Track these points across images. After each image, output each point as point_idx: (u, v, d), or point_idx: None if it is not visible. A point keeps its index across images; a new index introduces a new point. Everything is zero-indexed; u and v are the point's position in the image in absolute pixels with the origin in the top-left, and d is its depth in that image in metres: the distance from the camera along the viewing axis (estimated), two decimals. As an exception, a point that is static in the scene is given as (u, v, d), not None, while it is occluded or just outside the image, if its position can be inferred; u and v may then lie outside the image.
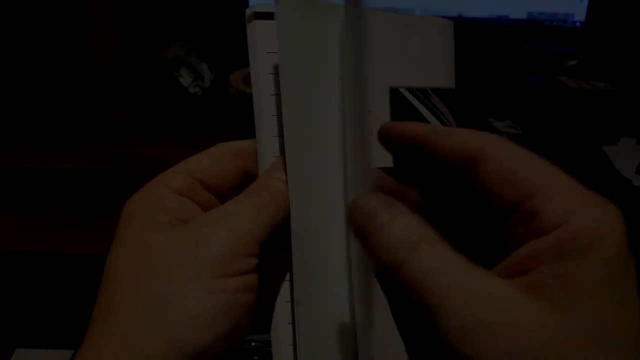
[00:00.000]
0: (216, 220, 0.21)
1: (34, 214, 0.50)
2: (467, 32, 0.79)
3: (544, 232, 0.16)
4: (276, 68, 0.23)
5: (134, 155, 0.60)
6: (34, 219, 0.50)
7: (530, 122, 0.70)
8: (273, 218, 0.22)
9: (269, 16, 0.23)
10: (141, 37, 0.84)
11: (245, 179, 0.24)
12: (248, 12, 0.23)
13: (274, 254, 0.23)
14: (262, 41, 0.23)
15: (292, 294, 0.23)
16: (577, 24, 0.80)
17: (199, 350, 0.19)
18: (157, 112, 0.74)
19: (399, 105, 0.27)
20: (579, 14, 0.80)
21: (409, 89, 0.27)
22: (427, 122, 0.27)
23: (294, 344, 0.22)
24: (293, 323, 0.23)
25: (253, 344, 0.47)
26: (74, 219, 0.49)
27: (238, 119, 0.61)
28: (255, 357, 0.44)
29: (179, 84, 0.77)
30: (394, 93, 0.27)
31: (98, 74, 0.89)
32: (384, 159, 0.22)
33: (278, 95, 0.23)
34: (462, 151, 0.18)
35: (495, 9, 0.80)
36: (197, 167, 0.23)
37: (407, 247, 0.16)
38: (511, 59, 0.83)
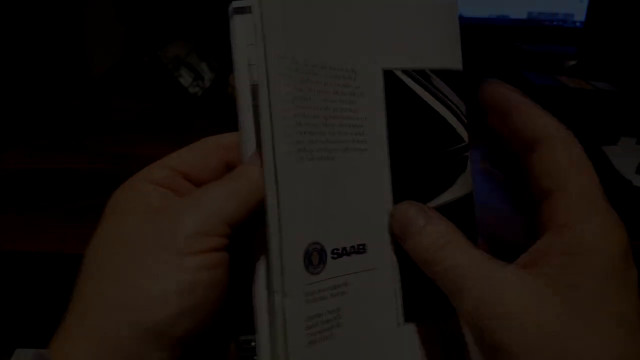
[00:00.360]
0: (186, 203, 0.22)
1: (34, 214, 0.50)
2: (467, 32, 0.79)
3: (559, 227, 0.20)
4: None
5: (134, 155, 0.60)
6: (34, 219, 0.50)
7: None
8: (246, 202, 0.22)
9: (247, 10, 0.23)
10: (141, 37, 0.84)
11: (230, 171, 0.24)
12: (230, 8, 0.23)
13: (255, 239, 0.23)
14: (241, 34, 0.23)
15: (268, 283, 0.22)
16: (577, 24, 0.80)
17: (160, 327, 0.19)
18: (157, 112, 0.74)
19: (395, 91, 0.24)
20: (579, 14, 0.80)
21: (406, 71, 0.25)
22: (431, 107, 0.25)
23: (270, 333, 0.22)
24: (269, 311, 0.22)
25: (253, 344, 0.46)
26: (74, 219, 0.49)
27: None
28: (255, 357, 0.44)
29: (179, 84, 0.77)
30: (389, 76, 0.24)
31: (98, 74, 0.89)
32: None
33: (255, 86, 0.22)
34: (531, 132, 0.21)
35: (495, 9, 0.80)
36: (180, 160, 0.24)
37: (437, 247, 0.21)
38: (511, 59, 0.83)
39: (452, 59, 0.25)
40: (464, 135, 0.25)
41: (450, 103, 0.25)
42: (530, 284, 0.19)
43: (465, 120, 0.25)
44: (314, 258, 0.22)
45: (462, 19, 0.80)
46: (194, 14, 0.85)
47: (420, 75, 0.25)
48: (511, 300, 0.18)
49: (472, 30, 0.80)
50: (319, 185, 0.22)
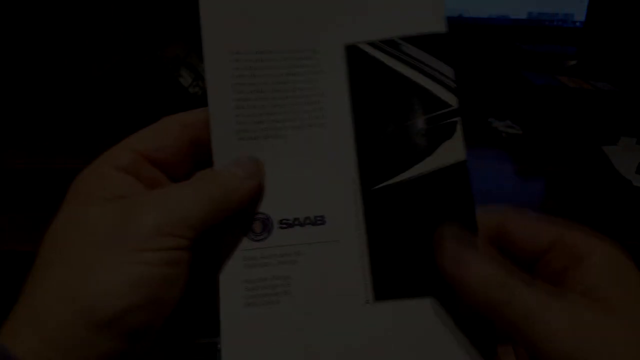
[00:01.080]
0: (150, 198, 0.22)
1: (34, 213, 0.50)
2: (467, 32, 0.79)
3: (579, 258, 0.21)
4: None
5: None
6: (34, 219, 0.50)
7: (530, 122, 0.70)
8: (215, 210, 0.22)
9: None
10: (141, 37, 0.84)
11: (196, 150, 0.24)
12: None
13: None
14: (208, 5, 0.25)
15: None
16: (577, 24, 0.80)
17: (108, 318, 0.19)
18: (157, 112, 0.74)
19: (360, 64, 0.24)
20: (579, 14, 0.80)
21: (371, 43, 0.24)
22: (402, 76, 0.24)
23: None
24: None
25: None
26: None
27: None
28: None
29: (179, 84, 0.77)
30: (352, 51, 0.24)
31: (98, 74, 0.89)
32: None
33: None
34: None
35: (495, 9, 0.80)
36: (144, 142, 0.24)
37: (497, 285, 0.20)
38: (511, 59, 0.83)
39: (430, 23, 0.24)
40: (451, 100, 0.24)
41: (427, 69, 0.24)
42: (615, 326, 0.19)
43: (453, 85, 0.24)
44: (256, 226, 0.23)
45: (462, 19, 0.80)
46: (194, 14, 0.85)
47: (388, 45, 0.24)
48: (603, 347, 0.18)
49: (472, 30, 0.80)
50: (264, 162, 0.23)
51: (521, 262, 0.22)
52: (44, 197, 0.53)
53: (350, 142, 0.24)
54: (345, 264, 0.23)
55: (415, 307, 0.23)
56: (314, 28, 0.24)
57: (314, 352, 0.22)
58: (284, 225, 0.23)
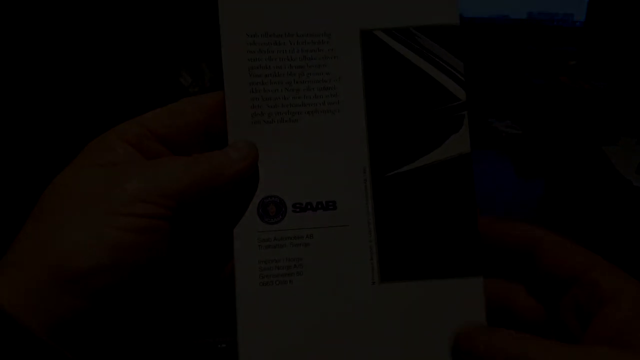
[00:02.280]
0: (136, 167, 0.22)
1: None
2: (467, 32, 0.79)
3: (606, 299, 0.20)
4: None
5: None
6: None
7: (530, 122, 0.70)
8: (198, 184, 0.22)
9: None
10: (141, 37, 0.84)
11: (209, 132, 0.24)
12: None
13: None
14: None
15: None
16: (577, 24, 0.80)
17: (77, 276, 0.20)
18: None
19: (375, 51, 0.24)
20: (579, 14, 0.80)
21: (387, 31, 0.24)
22: (415, 66, 0.24)
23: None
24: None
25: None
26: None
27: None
28: None
29: (179, 84, 0.77)
30: (367, 37, 0.24)
31: (98, 74, 0.89)
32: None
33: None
34: (524, 240, 0.23)
35: (495, 9, 0.80)
36: (157, 121, 0.24)
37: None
38: (511, 59, 0.83)
39: (444, 15, 0.25)
40: (460, 93, 0.25)
41: (439, 61, 0.25)
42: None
43: (462, 78, 0.25)
44: (270, 209, 0.24)
45: (462, 19, 0.80)
46: (194, 14, 0.85)
47: (403, 34, 0.24)
48: None
49: (473, 30, 0.80)
50: (278, 146, 0.24)
51: (548, 289, 0.22)
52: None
53: (363, 129, 0.24)
54: (354, 248, 0.24)
55: (418, 289, 0.24)
56: (330, 12, 0.24)
57: (323, 329, 0.23)
58: (297, 209, 0.24)
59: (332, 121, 0.24)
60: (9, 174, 0.58)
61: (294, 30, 0.24)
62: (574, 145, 0.66)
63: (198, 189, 0.22)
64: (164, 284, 0.23)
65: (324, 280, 0.24)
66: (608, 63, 0.81)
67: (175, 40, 0.80)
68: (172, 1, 0.85)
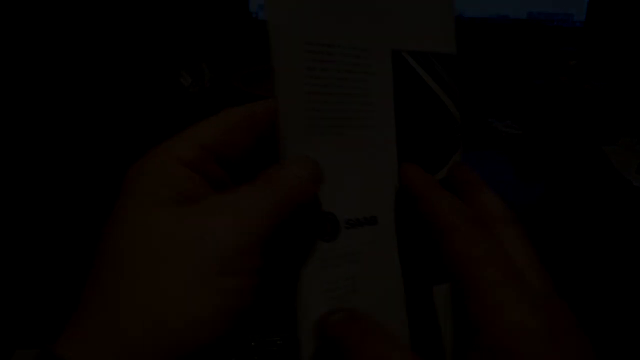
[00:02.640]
0: (225, 206, 0.19)
1: (34, 212, 0.50)
2: (467, 32, 0.79)
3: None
4: None
5: (133, 157, 0.60)
6: (34, 219, 0.50)
7: (530, 122, 0.70)
8: (283, 212, 0.20)
9: None
10: (141, 37, 0.84)
11: (259, 144, 0.22)
12: None
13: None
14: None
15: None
16: (577, 24, 0.80)
17: (193, 352, 0.18)
18: (157, 112, 0.74)
19: (402, 72, 0.25)
20: (579, 14, 0.80)
21: (412, 53, 0.25)
22: (432, 91, 0.26)
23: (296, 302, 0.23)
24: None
25: (253, 344, 0.46)
26: (75, 218, 0.49)
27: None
28: (255, 358, 0.44)
29: (179, 84, 0.77)
30: (397, 57, 0.25)
31: (99, 74, 0.88)
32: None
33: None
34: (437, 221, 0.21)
35: (495, 9, 0.80)
36: (207, 136, 0.21)
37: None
38: (511, 59, 0.83)
39: (449, 44, 0.26)
40: (457, 116, 0.26)
41: (447, 86, 0.26)
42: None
43: (460, 103, 0.26)
44: (327, 227, 0.23)
45: (462, 19, 0.80)
46: (194, 14, 0.85)
47: (423, 58, 0.25)
48: None
49: (473, 30, 0.80)
50: (329, 159, 0.23)
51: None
52: (42, 197, 0.53)
53: (393, 146, 0.25)
54: (389, 259, 0.24)
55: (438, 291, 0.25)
56: (367, 28, 0.24)
57: None
58: (348, 226, 0.23)
59: (370, 136, 0.24)
60: (9, 174, 0.58)
61: (342, 41, 0.23)
62: (574, 145, 0.66)
63: (279, 221, 0.20)
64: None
65: (373, 295, 0.24)
66: (608, 63, 0.81)
67: (175, 41, 0.80)
68: (172, 1, 0.85)
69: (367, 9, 0.24)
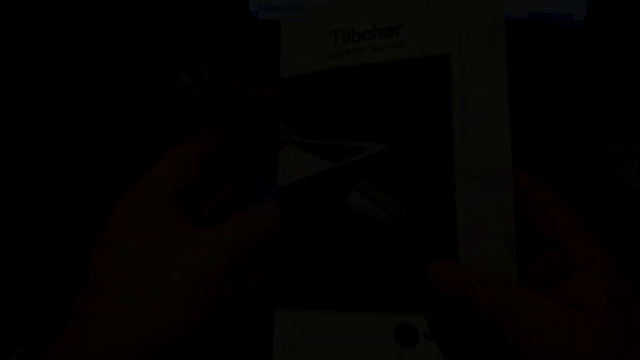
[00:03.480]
0: (200, 242, 0.23)
1: (34, 213, 0.50)
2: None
3: (580, 269, 0.21)
4: None
5: (133, 157, 0.60)
6: (35, 218, 0.50)
7: (530, 122, 0.70)
8: (251, 253, 0.24)
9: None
10: (141, 37, 0.84)
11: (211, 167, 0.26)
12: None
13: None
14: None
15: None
16: (577, 24, 0.80)
17: (173, 348, 0.21)
18: (157, 112, 0.74)
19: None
20: (579, 14, 0.80)
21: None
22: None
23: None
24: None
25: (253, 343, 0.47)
26: (75, 218, 0.49)
27: (238, 119, 0.61)
28: (255, 358, 0.44)
29: (179, 84, 0.77)
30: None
31: (98, 74, 0.88)
32: None
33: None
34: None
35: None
36: (189, 172, 0.25)
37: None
38: (511, 59, 0.83)
39: None
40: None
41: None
42: (599, 335, 0.19)
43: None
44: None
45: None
46: (194, 14, 0.85)
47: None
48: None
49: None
50: None
51: (527, 240, 0.23)
52: (41, 197, 0.53)
53: None
54: None
55: None
56: None
57: None
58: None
59: None
60: (9, 174, 0.58)
61: None
62: (574, 145, 0.66)
63: (247, 258, 0.24)
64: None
65: None
66: (608, 63, 0.81)
67: (175, 41, 0.80)
68: (172, 1, 0.85)
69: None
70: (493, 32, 0.26)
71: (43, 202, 0.53)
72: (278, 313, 0.26)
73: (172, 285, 0.22)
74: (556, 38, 0.81)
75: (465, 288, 0.21)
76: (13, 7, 0.78)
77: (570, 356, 0.18)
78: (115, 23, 0.87)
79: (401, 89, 0.25)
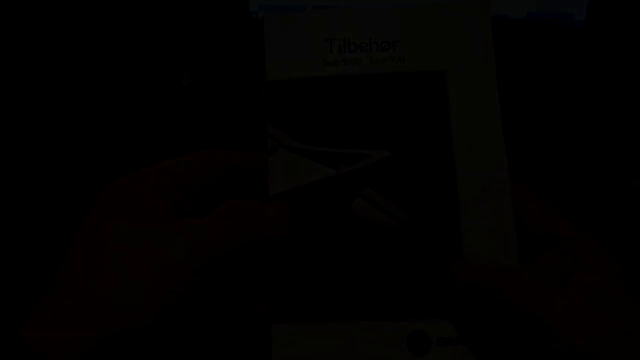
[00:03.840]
0: (176, 234, 0.23)
1: (34, 212, 0.50)
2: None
3: (584, 266, 0.22)
4: None
5: (133, 156, 0.60)
6: (35, 218, 0.50)
7: (530, 122, 0.70)
8: (240, 248, 0.24)
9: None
10: (141, 37, 0.84)
11: (228, 181, 0.26)
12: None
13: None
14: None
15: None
16: (577, 24, 0.80)
17: (138, 333, 0.21)
18: (157, 112, 0.74)
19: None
20: (579, 14, 0.80)
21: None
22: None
23: None
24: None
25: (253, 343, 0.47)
26: (74, 218, 0.49)
27: (238, 119, 0.61)
28: (255, 358, 0.44)
29: (179, 84, 0.77)
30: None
31: (98, 74, 0.88)
32: None
33: None
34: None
35: (495, 9, 0.80)
36: (178, 170, 0.25)
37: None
38: (511, 59, 0.83)
39: None
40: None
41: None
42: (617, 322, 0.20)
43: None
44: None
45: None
46: (195, 14, 0.85)
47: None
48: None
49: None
50: None
51: (526, 246, 0.24)
52: (40, 197, 0.53)
53: None
54: None
55: None
56: None
57: None
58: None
59: None
60: (9, 174, 0.58)
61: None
62: (574, 145, 0.66)
63: (237, 254, 0.24)
64: (196, 324, 0.24)
65: None
66: (608, 63, 0.81)
67: (175, 41, 0.80)
68: (173, 2, 0.85)
69: None
70: (484, 50, 0.28)
71: (43, 202, 0.53)
72: (276, 327, 0.26)
73: (133, 270, 0.22)
74: (556, 38, 0.81)
75: (493, 280, 0.22)
76: (13, 7, 0.78)
77: (608, 335, 0.20)
78: (115, 23, 0.87)
79: (402, 99, 0.26)
